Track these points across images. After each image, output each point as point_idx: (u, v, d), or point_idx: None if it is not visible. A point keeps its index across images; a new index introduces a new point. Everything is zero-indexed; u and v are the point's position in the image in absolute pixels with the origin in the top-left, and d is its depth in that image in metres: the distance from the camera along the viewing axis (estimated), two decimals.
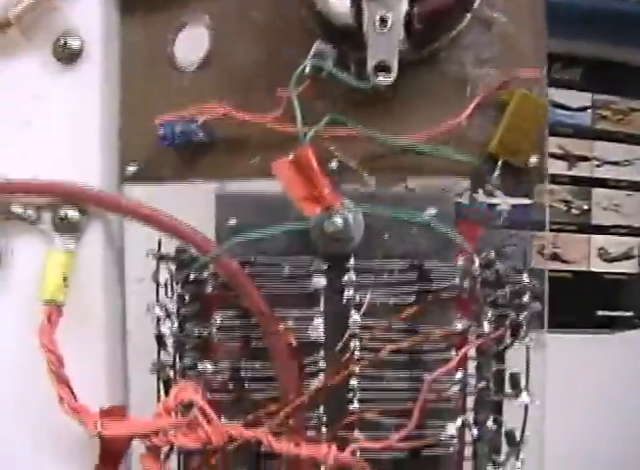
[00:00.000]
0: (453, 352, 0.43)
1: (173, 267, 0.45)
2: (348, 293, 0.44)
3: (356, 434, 0.43)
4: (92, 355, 0.46)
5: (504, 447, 0.45)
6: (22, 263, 0.47)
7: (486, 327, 0.43)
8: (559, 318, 1.06)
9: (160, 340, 0.45)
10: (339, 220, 0.42)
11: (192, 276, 0.45)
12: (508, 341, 0.43)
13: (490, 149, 0.44)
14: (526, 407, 0.43)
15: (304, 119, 0.42)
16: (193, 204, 0.47)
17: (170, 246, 0.45)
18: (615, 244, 1.10)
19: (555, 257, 1.07)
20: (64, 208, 0.46)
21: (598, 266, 1.09)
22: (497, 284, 0.43)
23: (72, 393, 0.43)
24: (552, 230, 1.06)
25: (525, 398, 0.43)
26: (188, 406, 0.42)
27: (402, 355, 0.43)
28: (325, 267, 0.44)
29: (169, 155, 0.47)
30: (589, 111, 1.09)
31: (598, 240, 1.09)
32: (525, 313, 0.43)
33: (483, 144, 0.44)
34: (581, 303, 1.09)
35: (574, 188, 1.08)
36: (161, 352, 0.45)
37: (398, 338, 0.43)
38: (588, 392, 1.02)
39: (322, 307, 0.44)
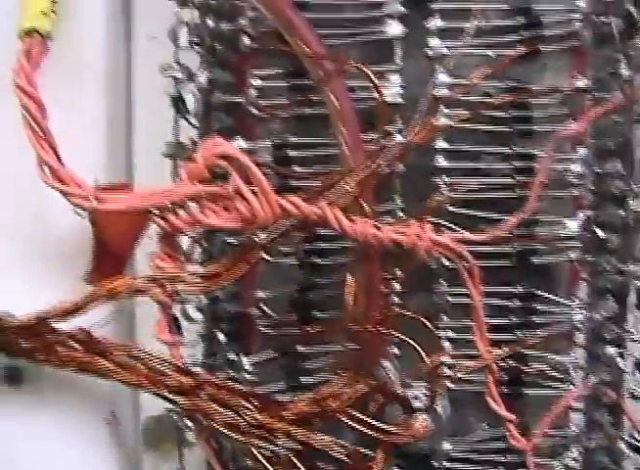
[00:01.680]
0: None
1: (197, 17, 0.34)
2: (433, 43, 0.33)
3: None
4: (89, 121, 0.34)
5: None
6: None
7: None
8: None
9: (179, 104, 0.33)
10: None
11: (224, 26, 0.34)
12: None
13: None
14: None
15: None
16: None
17: None
18: None
19: None
20: None
21: None
22: (628, 33, 0.33)
23: (58, 157, 0.31)
24: None
25: None
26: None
27: (503, 127, 0.33)
28: (403, 10, 0.33)
29: None
30: None
31: None
32: None
33: None
34: None
35: None
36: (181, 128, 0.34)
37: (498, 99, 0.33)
38: None
39: (399, 62, 0.33)
